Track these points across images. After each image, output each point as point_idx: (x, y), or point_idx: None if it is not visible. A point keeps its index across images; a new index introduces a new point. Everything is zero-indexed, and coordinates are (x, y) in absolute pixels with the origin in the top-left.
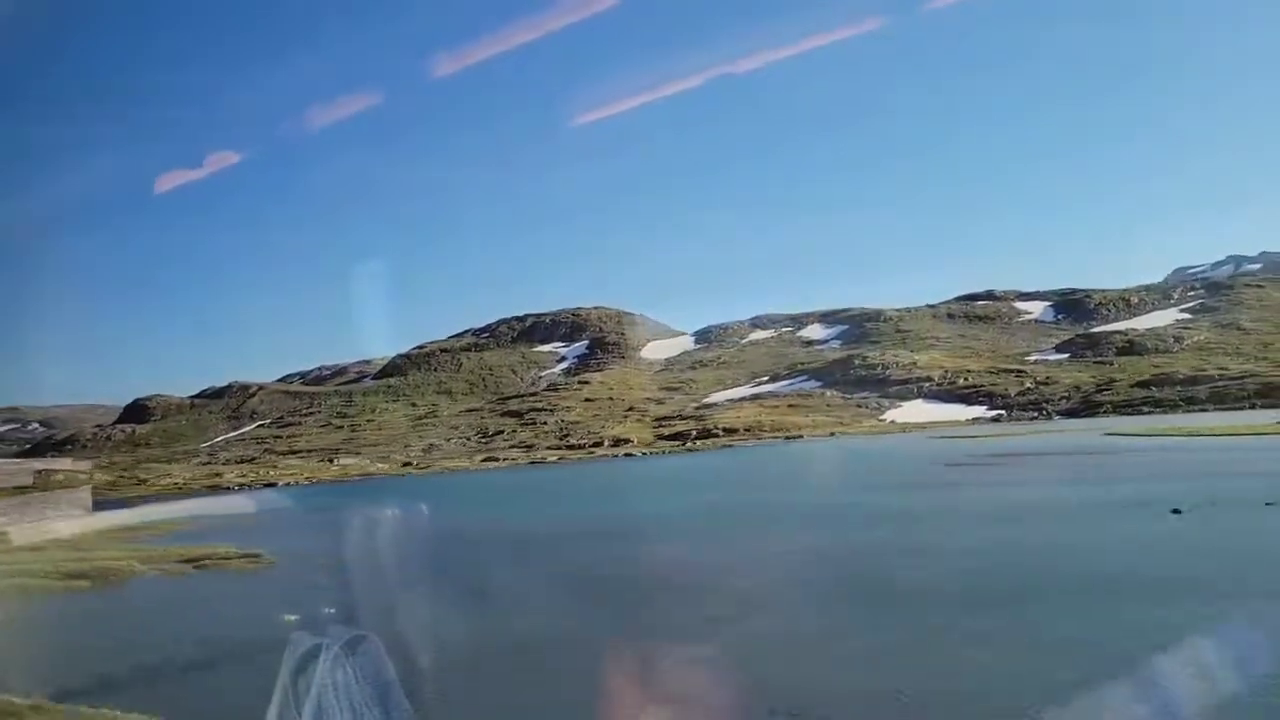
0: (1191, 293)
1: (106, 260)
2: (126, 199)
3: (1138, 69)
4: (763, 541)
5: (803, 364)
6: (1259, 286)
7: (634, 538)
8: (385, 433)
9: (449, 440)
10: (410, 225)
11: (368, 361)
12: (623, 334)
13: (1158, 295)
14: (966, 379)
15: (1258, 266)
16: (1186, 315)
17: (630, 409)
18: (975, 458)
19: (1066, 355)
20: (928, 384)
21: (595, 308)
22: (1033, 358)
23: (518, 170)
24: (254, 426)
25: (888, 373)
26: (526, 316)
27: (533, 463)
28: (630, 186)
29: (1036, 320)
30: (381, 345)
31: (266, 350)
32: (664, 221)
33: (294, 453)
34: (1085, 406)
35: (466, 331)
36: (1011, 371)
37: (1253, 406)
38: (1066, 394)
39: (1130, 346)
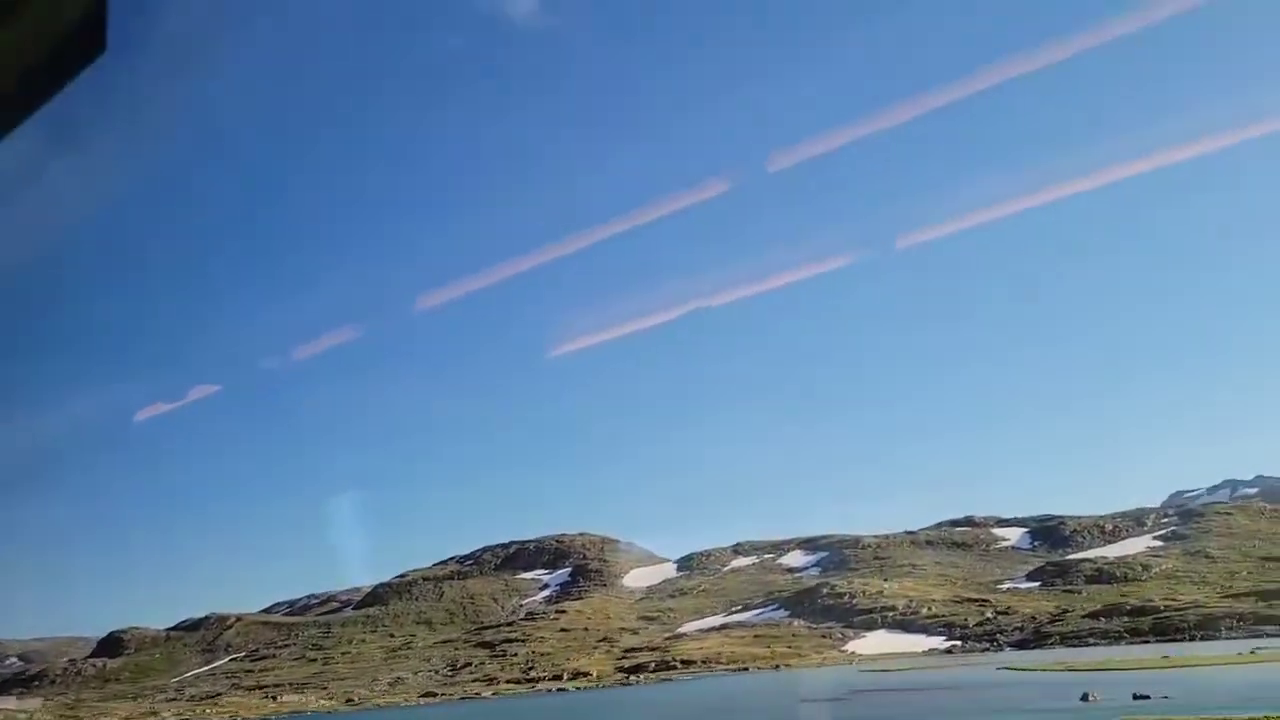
0: (1165, 519)
1: (89, 491)
2: (108, 433)
3: (1127, 298)
4: None
5: (776, 593)
6: (1227, 514)
7: None
8: (357, 665)
9: (417, 673)
10: (394, 454)
11: (357, 589)
12: (605, 561)
13: (1131, 522)
14: (929, 609)
15: (1254, 491)
16: (1159, 543)
17: (603, 639)
18: (841, 693)
19: (1038, 583)
20: (891, 614)
21: (580, 534)
22: (1005, 585)
23: (499, 400)
24: (227, 660)
25: (854, 602)
26: (511, 543)
27: (464, 697)
28: (611, 415)
29: (1013, 547)
30: (367, 574)
31: (255, 579)
32: (647, 449)
33: (261, 688)
34: (1036, 638)
35: (451, 559)
36: (974, 601)
37: (1191, 638)
38: (1020, 625)
39: (1099, 575)
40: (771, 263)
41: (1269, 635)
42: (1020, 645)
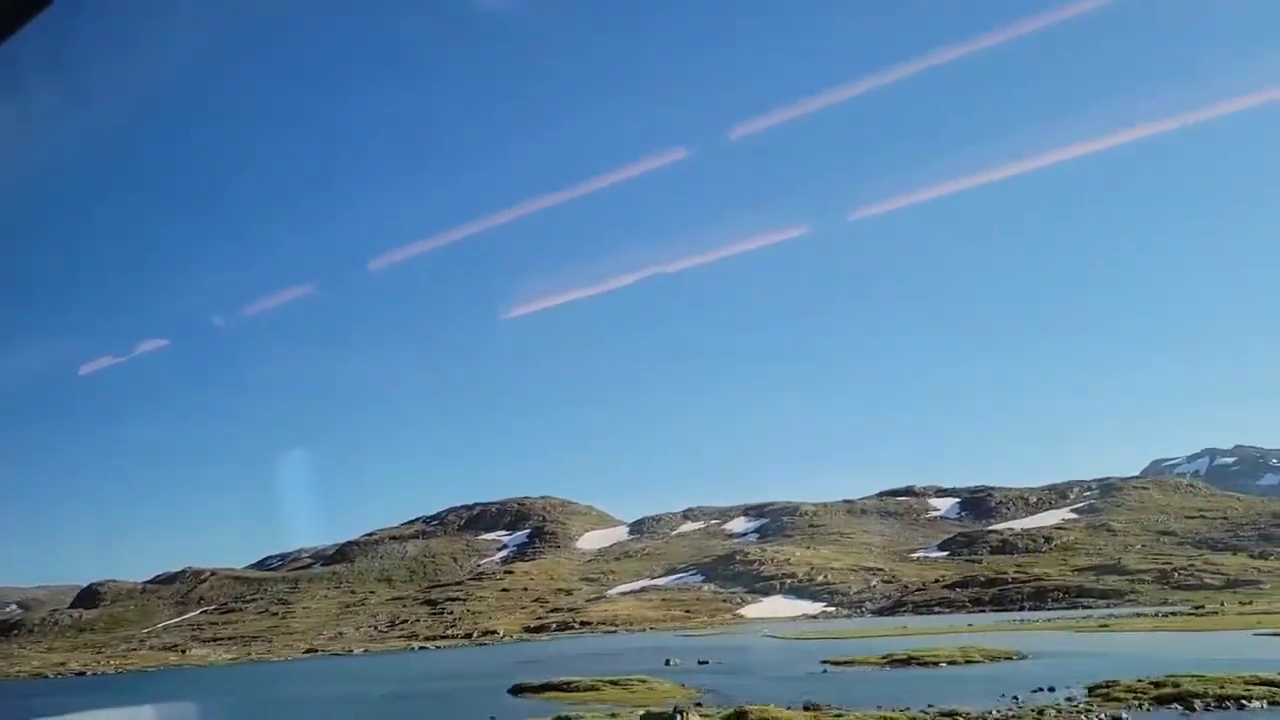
0: (1087, 493)
1: (39, 443)
2: (51, 385)
3: (1105, 270)
4: None
5: (708, 558)
6: (1143, 489)
7: None
8: (312, 620)
9: (360, 628)
10: (350, 413)
11: (336, 545)
12: (562, 524)
13: (1056, 495)
14: (824, 577)
15: (1232, 460)
16: (1074, 516)
17: (537, 599)
18: (587, 652)
19: (946, 553)
20: (790, 580)
21: (541, 497)
22: (917, 554)
23: (454, 361)
24: (198, 613)
25: (761, 569)
26: (475, 505)
27: (334, 654)
28: (569, 379)
29: (942, 516)
30: (346, 531)
31: (244, 534)
32: (608, 411)
33: (217, 640)
34: (894, 606)
35: (418, 519)
36: (868, 570)
37: (1021, 608)
38: (888, 594)
39: (1003, 545)
40: (728, 231)
41: (1084, 607)
42: (880, 612)
